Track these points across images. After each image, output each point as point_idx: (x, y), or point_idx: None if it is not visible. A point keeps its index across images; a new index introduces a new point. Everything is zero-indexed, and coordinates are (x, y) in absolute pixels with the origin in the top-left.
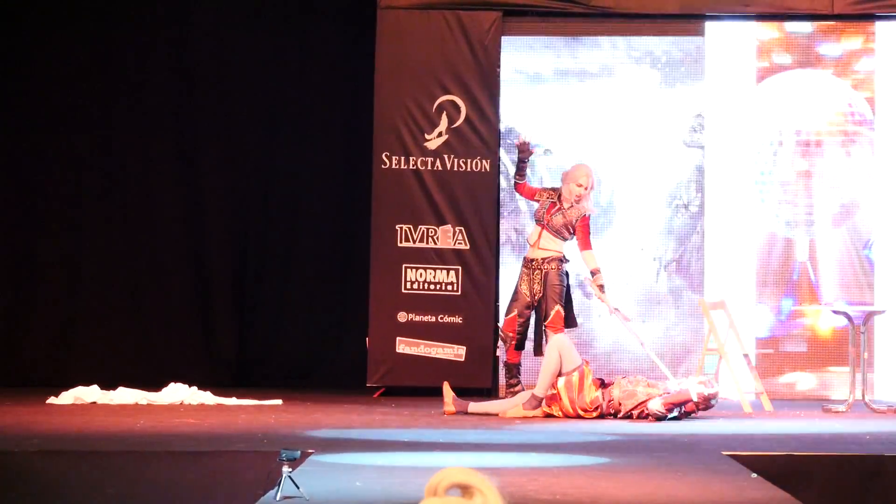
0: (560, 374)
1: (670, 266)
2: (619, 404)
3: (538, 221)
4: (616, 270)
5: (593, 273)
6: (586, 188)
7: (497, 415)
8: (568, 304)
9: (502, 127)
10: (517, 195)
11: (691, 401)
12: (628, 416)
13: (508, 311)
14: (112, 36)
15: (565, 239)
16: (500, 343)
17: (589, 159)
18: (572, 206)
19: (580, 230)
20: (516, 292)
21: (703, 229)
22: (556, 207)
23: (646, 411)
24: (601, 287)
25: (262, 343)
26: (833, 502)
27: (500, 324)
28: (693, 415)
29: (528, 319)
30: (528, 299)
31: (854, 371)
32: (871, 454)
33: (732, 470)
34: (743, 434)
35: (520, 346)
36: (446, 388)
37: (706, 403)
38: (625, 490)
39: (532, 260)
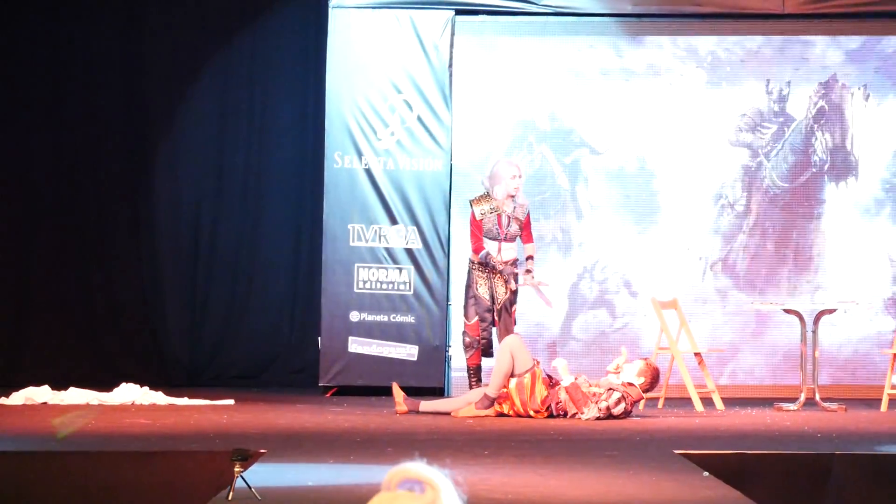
0: (512, 375)
1: (716, 265)
2: (566, 405)
3: (494, 238)
4: (662, 270)
5: (529, 258)
6: (520, 177)
7: (449, 413)
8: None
9: (567, 125)
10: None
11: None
12: (574, 417)
13: (469, 316)
14: (62, 32)
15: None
16: (464, 347)
17: (635, 158)
18: (515, 206)
19: (526, 226)
20: (475, 297)
21: (749, 228)
22: (505, 216)
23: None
24: (530, 272)
25: (213, 343)
26: (784, 501)
27: (463, 328)
28: (643, 400)
29: (491, 323)
30: (489, 303)
31: (805, 370)
32: (822, 453)
33: (684, 468)
34: (695, 433)
35: (486, 353)
36: (396, 389)
37: (650, 384)
38: (576, 489)
39: (492, 266)
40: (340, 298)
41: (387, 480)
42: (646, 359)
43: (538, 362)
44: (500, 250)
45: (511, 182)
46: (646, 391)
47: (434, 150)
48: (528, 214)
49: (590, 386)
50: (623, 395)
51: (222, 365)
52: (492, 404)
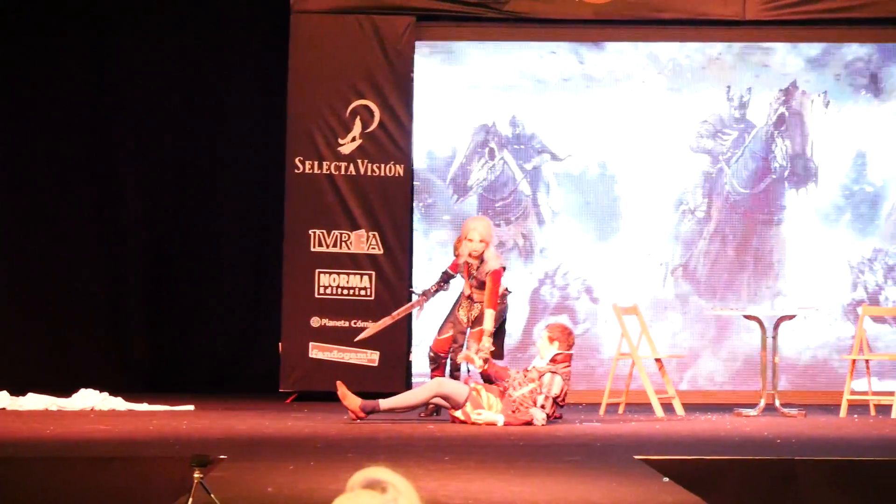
0: (456, 408)
1: (677, 271)
2: (521, 405)
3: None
4: (623, 275)
5: (490, 335)
6: (478, 241)
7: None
8: (500, 334)
9: (528, 131)
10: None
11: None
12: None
13: (442, 332)
14: (27, 34)
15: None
16: (429, 360)
17: (597, 164)
18: (480, 265)
19: (490, 284)
20: (453, 315)
21: (709, 234)
22: (467, 271)
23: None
24: (485, 358)
25: (173, 348)
26: None
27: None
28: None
29: (463, 345)
30: (466, 325)
31: (765, 375)
32: (782, 458)
33: (644, 474)
34: (655, 438)
35: (453, 370)
36: (342, 389)
37: (567, 338)
38: (537, 493)
39: (473, 297)
40: (301, 304)
41: (350, 483)
42: (545, 329)
43: (471, 384)
44: (472, 292)
45: (468, 244)
46: (570, 347)
47: (395, 156)
48: (493, 278)
49: (524, 384)
50: (553, 371)
51: (182, 370)
52: (372, 412)
